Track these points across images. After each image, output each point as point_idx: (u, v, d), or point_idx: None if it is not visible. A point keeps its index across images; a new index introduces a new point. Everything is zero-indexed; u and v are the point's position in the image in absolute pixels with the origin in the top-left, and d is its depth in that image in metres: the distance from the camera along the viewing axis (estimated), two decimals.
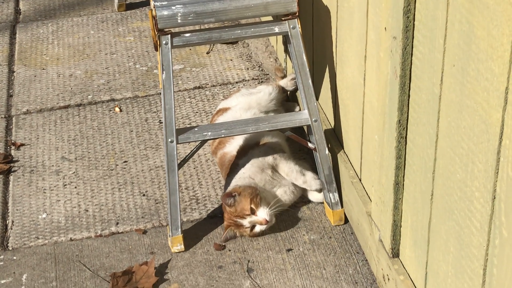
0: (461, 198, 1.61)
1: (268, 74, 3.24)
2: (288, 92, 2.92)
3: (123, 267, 2.32)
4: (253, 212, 2.33)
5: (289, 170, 2.45)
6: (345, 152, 2.44)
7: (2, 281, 2.29)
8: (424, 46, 1.70)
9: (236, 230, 2.38)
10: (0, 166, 2.74)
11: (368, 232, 2.21)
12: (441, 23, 1.60)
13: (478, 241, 1.55)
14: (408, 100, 1.83)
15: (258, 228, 2.35)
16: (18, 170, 2.75)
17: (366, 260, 2.29)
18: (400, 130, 1.87)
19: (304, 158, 2.71)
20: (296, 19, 2.30)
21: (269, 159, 2.46)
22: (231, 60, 3.37)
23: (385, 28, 1.87)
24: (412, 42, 1.76)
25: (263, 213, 2.33)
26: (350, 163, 2.39)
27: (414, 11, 1.73)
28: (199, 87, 3.19)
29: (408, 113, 1.85)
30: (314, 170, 2.49)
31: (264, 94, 2.73)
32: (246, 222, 2.34)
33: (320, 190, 2.47)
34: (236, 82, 3.21)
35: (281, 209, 2.44)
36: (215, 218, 2.50)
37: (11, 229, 2.49)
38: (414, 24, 1.75)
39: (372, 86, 2.08)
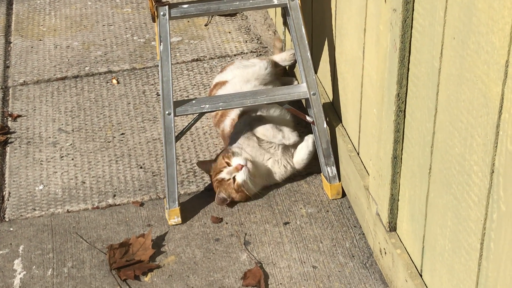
0: (459, 172, 1.60)
1: (267, 47, 3.22)
2: (287, 67, 2.90)
3: (120, 239, 2.32)
4: (228, 164, 2.36)
5: (264, 130, 2.44)
6: (343, 126, 2.43)
7: None
8: (424, 19, 1.69)
9: (223, 190, 2.37)
10: None
11: (366, 206, 2.21)
12: None
13: (475, 215, 1.55)
14: (407, 73, 1.82)
15: (239, 177, 2.35)
16: (15, 142, 2.74)
17: (363, 234, 2.29)
18: (399, 103, 1.86)
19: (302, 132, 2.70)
20: None
21: (248, 126, 2.47)
22: (229, 32, 3.34)
23: (385, 0, 1.85)
24: (412, 14, 1.74)
25: (236, 160, 2.35)
26: (348, 136, 2.38)
27: None
28: (197, 60, 3.17)
29: (407, 86, 1.83)
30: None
31: (260, 68, 2.72)
32: (224, 174, 2.36)
33: (297, 144, 2.47)
34: (235, 55, 3.19)
35: (274, 182, 2.46)
36: (212, 191, 2.49)
37: (8, 200, 2.49)
38: None
39: (371, 59, 2.07)
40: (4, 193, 2.52)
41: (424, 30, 1.70)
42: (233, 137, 2.50)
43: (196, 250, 2.28)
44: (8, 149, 2.71)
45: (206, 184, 2.52)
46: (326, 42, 2.49)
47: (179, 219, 2.37)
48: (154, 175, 2.57)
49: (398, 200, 2.00)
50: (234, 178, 2.36)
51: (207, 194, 2.48)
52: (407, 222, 1.97)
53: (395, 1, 1.77)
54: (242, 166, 2.35)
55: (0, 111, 2.89)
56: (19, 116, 2.87)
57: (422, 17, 1.70)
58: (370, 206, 2.16)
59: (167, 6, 2.23)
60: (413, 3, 1.73)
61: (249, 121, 2.49)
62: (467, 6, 1.48)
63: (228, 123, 2.57)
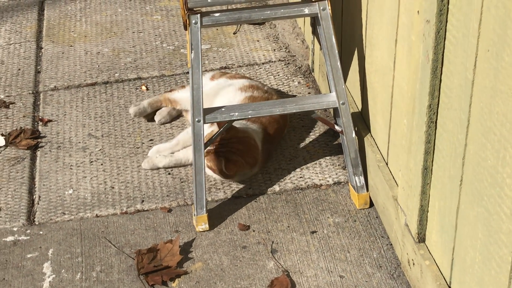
0: (491, 185, 1.60)
1: (295, 55, 3.23)
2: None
3: (148, 244, 2.33)
4: None
5: None
6: (372, 136, 2.43)
7: (29, 255, 2.32)
8: (458, 30, 1.69)
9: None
10: (28, 142, 2.76)
11: (394, 217, 2.21)
12: (476, 7, 1.58)
13: (507, 227, 1.54)
14: (440, 84, 1.82)
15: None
16: (45, 146, 2.77)
17: (391, 244, 2.29)
18: (431, 114, 1.86)
19: (329, 142, 2.71)
20: (326, 1, 2.29)
21: None
22: (257, 41, 3.36)
23: (418, 11, 1.85)
24: (446, 26, 1.75)
25: None
26: (377, 146, 2.38)
27: None
28: (225, 67, 3.18)
29: (439, 97, 1.83)
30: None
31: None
32: None
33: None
34: (263, 63, 3.20)
35: None
36: (240, 198, 2.51)
37: (38, 204, 2.52)
38: (448, 8, 1.73)
39: (402, 70, 2.07)
40: (34, 196, 2.55)
41: (457, 42, 1.70)
42: None
43: (223, 257, 2.29)
44: (38, 153, 2.74)
45: (234, 192, 2.54)
46: (356, 52, 2.49)
47: (207, 225, 2.38)
48: (182, 182, 2.59)
49: (427, 211, 2.00)
50: None
51: (235, 202, 2.49)
52: (436, 234, 1.96)
53: (428, 12, 1.78)
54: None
55: (31, 115, 2.93)
56: (49, 120, 2.90)
57: (455, 29, 1.70)
58: (399, 217, 2.16)
59: (199, 14, 2.25)
60: (447, 14, 1.74)
61: None
62: (502, 18, 1.48)
63: None
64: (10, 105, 2.98)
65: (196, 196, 2.35)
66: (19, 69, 3.21)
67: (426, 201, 1.99)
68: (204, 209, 2.37)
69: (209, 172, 2.54)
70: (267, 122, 2.62)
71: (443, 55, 1.78)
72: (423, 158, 1.92)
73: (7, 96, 3.05)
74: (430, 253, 2.02)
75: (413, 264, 2.08)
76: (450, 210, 1.84)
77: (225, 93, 2.70)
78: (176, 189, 2.55)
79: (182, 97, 2.82)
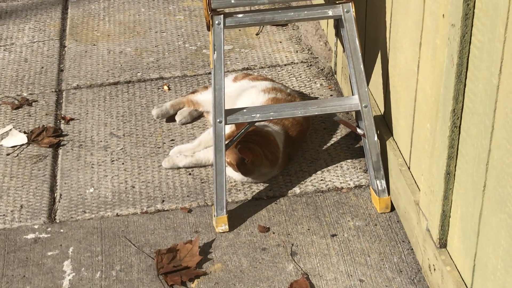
0: None
1: (318, 57, 3.22)
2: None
3: (168, 244, 2.33)
4: None
5: None
6: (394, 140, 2.41)
7: (49, 253, 2.32)
8: (484, 35, 1.67)
9: None
10: (50, 140, 2.78)
11: (415, 221, 2.19)
12: (503, 12, 1.56)
13: None
14: (464, 89, 1.80)
15: None
16: (67, 144, 2.78)
17: (412, 249, 2.27)
18: (454, 119, 1.84)
19: (350, 144, 2.69)
20: (350, 3, 2.28)
21: None
22: (280, 42, 3.35)
23: (443, 15, 1.84)
24: (471, 30, 1.73)
25: None
26: (399, 150, 2.37)
27: None
28: (247, 68, 3.18)
29: (463, 102, 1.82)
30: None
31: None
32: None
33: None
34: (285, 65, 3.19)
35: None
36: (260, 200, 2.50)
37: (59, 202, 2.53)
38: (474, 12, 1.71)
39: (426, 74, 2.05)
40: (55, 194, 2.56)
41: (483, 46, 1.68)
42: None
43: (242, 259, 2.28)
44: (60, 151, 2.75)
45: (254, 193, 2.53)
46: (379, 55, 2.48)
47: (227, 227, 2.38)
48: (203, 182, 2.58)
49: (449, 217, 1.98)
50: None
51: (255, 203, 2.49)
52: (458, 239, 1.95)
53: (453, 16, 1.76)
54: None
55: (54, 114, 2.94)
56: (72, 119, 2.91)
57: (481, 33, 1.69)
58: (420, 222, 2.14)
59: (222, 15, 2.25)
60: (472, 18, 1.72)
61: None
62: None
63: None
64: (33, 103, 3.00)
65: (216, 197, 2.35)
66: (42, 68, 3.23)
67: (448, 207, 1.97)
68: (224, 210, 2.36)
69: (230, 172, 2.54)
70: (290, 124, 2.62)
71: (468, 59, 1.76)
72: (446, 163, 1.91)
73: (30, 94, 3.06)
74: (451, 258, 2.00)
75: (434, 269, 2.06)
76: (473, 216, 1.82)
77: (247, 95, 2.70)
78: (196, 189, 2.55)
79: (205, 99, 2.82)
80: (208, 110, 2.82)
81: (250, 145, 2.46)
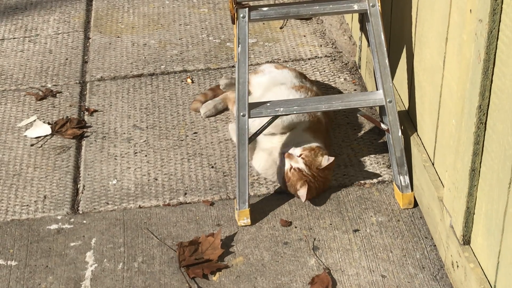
0: None
1: (342, 51, 3.20)
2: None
3: (190, 237, 2.34)
4: None
5: None
6: (418, 135, 2.40)
7: (72, 244, 2.34)
8: None
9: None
10: (74, 131, 2.79)
11: (439, 218, 2.18)
12: None
13: None
14: (491, 85, 1.78)
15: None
16: (91, 136, 2.80)
17: (435, 245, 2.26)
18: (480, 115, 1.83)
19: (374, 139, 2.68)
20: None
21: None
22: (304, 36, 3.34)
23: (470, 10, 1.82)
24: (499, 26, 1.71)
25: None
26: (423, 146, 2.35)
27: None
28: (271, 62, 3.17)
29: (489, 98, 1.80)
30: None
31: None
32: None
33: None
34: (309, 59, 3.18)
35: None
36: (283, 194, 2.50)
37: (82, 193, 2.54)
38: (502, 8, 1.69)
39: (452, 69, 2.03)
40: (78, 186, 2.57)
41: (510, 42, 1.66)
42: None
43: (264, 253, 2.28)
44: (84, 143, 2.77)
45: (276, 187, 2.53)
46: (404, 50, 2.46)
47: (249, 220, 2.38)
48: (225, 175, 2.59)
49: (473, 214, 1.96)
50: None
51: (277, 197, 2.49)
52: (482, 236, 1.93)
53: (481, 11, 1.74)
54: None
55: (78, 105, 2.96)
56: (95, 111, 2.92)
57: (509, 29, 1.67)
58: (444, 218, 2.13)
59: (247, 8, 2.24)
60: (500, 14, 1.70)
61: None
62: None
63: None
64: (57, 94, 3.02)
65: (238, 190, 2.35)
66: (67, 59, 3.24)
67: (473, 203, 1.95)
68: (247, 203, 2.36)
69: (254, 163, 2.52)
70: (328, 142, 2.58)
71: (495, 55, 1.74)
72: (471, 160, 1.89)
73: (54, 85, 3.08)
74: (475, 255, 1.99)
75: (457, 266, 2.05)
76: (497, 213, 1.81)
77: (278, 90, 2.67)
78: (219, 182, 2.55)
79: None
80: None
81: (312, 186, 2.42)
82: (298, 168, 2.38)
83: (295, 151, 2.41)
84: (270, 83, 2.70)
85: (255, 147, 2.55)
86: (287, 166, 2.41)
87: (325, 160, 2.39)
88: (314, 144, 2.43)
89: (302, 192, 2.38)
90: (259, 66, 2.91)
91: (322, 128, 2.56)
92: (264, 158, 2.53)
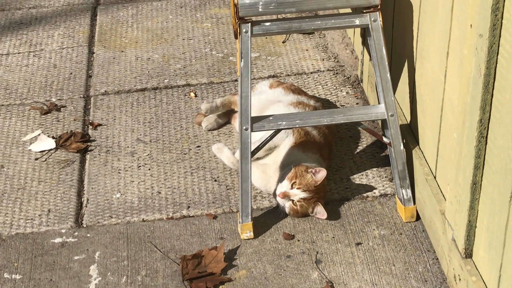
0: None
1: (344, 65, 3.22)
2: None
3: (193, 250, 2.35)
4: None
5: None
6: (420, 149, 2.41)
7: (76, 257, 2.35)
8: None
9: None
10: (78, 145, 2.81)
11: (441, 231, 2.19)
12: None
13: None
14: (491, 99, 1.80)
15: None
16: (95, 150, 2.81)
17: (437, 258, 2.27)
18: (481, 129, 1.84)
19: (376, 153, 2.70)
20: (377, 12, 2.28)
21: None
22: (306, 50, 3.36)
23: (470, 25, 1.84)
24: (499, 41, 1.73)
25: None
26: (425, 159, 2.36)
27: (503, 9, 1.70)
28: (273, 76, 3.19)
29: (490, 112, 1.81)
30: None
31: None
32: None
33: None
34: (311, 73, 3.20)
35: None
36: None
37: (86, 207, 2.55)
38: (502, 23, 1.71)
39: (453, 83, 2.05)
40: (82, 199, 2.59)
41: (510, 57, 1.68)
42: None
43: (267, 266, 2.29)
44: (88, 156, 2.78)
45: None
46: (406, 64, 2.48)
47: (251, 233, 2.39)
48: (228, 189, 2.60)
49: (475, 227, 1.97)
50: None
51: (280, 210, 2.49)
52: (484, 250, 1.94)
53: (481, 26, 1.76)
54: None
55: (82, 119, 2.98)
56: (99, 125, 2.94)
57: (509, 44, 1.68)
58: (446, 231, 2.14)
59: (250, 23, 2.27)
60: (500, 29, 1.72)
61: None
62: None
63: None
64: (62, 109, 3.04)
65: (241, 203, 2.36)
66: (71, 73, 3.26)
67: (474, 217, 1.96)
68: (249, 217, 2.37)
69: (254, 181, 2.53)
70: (326, 153, 2.60)
71: (495, 69, 1.76)
72: (472, 173, 1.90)
73: (59, 99, 3.10)
74: (477, 269, 2.00)
75: (459, 279, 2.06)
76: (499, 227, 1.82)
77: (275, 108, 2.68)
78: (222, 196, 2.57)
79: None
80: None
81: (321, 200, 2.44)
82: (302, 199, 2.39)
83: (285, 187, 2.40)
84: (266, 101, 2.72)
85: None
86: (288, 204, 2.41)
87: (319, 176, 2.38)
88: (293, 169, 2.41)
89: (321, 210, 2.40)
90: (256, 84, 2.93)
91: (313, 139, 2.57)
92: (260, 176, 2.54)
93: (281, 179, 2.43)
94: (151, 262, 2.32)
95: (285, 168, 2.47)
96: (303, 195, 2.38)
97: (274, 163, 2.52)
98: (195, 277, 2.24)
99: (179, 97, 3.08)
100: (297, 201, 2.39)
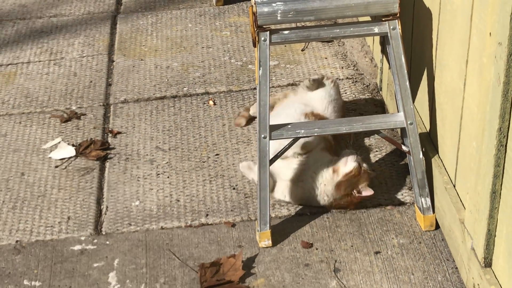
0: None
1: (363, 73, 3.22)
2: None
3: (211, 258, 2.35)
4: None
5: None
6: (439, 157, 2.40)
7: (95, 265, 2.36)
8: None
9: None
10: (97, 153, 2.82)
11: (460, 240, 2.17)
12: None
13: None
14: (511, 108, 1.79)
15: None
16: (114, 158, 2.83)
17: (456, 268, 2.25)
18: (501, 138, 1.83)
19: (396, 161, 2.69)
20: (396, 20, 2.28)
21: None
22: (325, 58, 3.36)
23: (490, 33, 1.83)
24: None
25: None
26: (445, 168, 2.35)
27: None
28: (292, 84, 3.19)
29: (509, 121, 1.80)
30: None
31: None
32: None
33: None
34: None
35: None
36: (303, 216, 2.51)
37: (105, 214, 2.57)
38: None
39: (473, 92, 2.04)
40: (102, 207, 2.60)
41: None
42: None
43: (285, 274, 2.29)
44: (107, 164, 2.80)
45: (297, 209, 2.54)
46: (425, 72, 2.47)
47: (270, 242, 2.39)
48: (247, 197, 2.60)
49: (495, 236, 1.96)
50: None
51: (298, 219, 2.50)
52: (503, 259, 1.93)
53: (500, 34, 1.75)
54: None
55: (101, 127, 2.99)
56: (119, 132, 2.96)
57: None
58: (465, 240, 2.12)
59: (268, 32, 2.27)
60: None
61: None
62: None
63: None
64: (82, 116, 3.06)
65: (260, 212, 2.36)
66: (91, 81, 3.29)
67: (494, 226, 1.95)
68: (268, 225, 2.37)
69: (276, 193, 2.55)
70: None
71: None
72: (491, 182, 1.89)
73: (79, 107, 3.12)
74: (496, 278, 1.98)
75: None
76: None
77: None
78: (240, 204, 2.57)
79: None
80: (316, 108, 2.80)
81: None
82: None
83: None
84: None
85: (274, 180, 2.55)
86: (350, 167, 2.43)
87: (366, 192, 2.45)
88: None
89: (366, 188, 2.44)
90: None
91: (332, 147, 2.62)
92: (292, 187, 2.53)
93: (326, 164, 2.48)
94: (169, 269, 2.33)
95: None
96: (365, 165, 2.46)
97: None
98: (213, 285, 2.24)
99: (198, 105, 3.10)
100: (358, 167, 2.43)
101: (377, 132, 2.43)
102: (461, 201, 2.22)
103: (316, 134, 2.40)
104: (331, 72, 3.25)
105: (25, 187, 2.70)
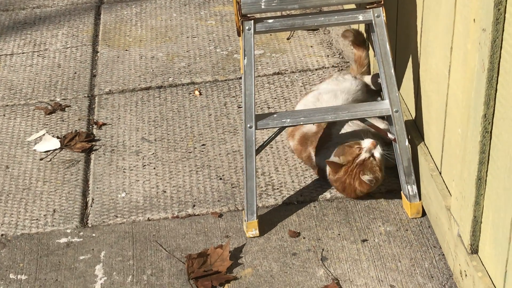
0: None
1: (349, 62, 3.21)
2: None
3: (199, 249, 2.35)
4: (360, 148, 2.41)
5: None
6: (425, 144, 2.40)
7: (81, 257, 2.35)
8: None
9: (367, 172, 2.40)
10: (82, 145, 2.81)
11: (447, 227, 2.18)
12: None
13: None
14: (495, 94, 1.79)
15: (377, 153, 2.41)
16: (100, 149, 2.81)
17: (443, 254, 2.26)
18: (485, 124, 1.83)
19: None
20: (381, 8, 2.27)
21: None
22: (311, 46, 3.35)
23: (474, 19, 1.83)
24: (502, 35, 1.72)
25: (367, 141, 2.42)
26: (431, 155, 2.35)
27: (506, 3, 1.68)
28: (278, 73, 3.18)
29: (494, 107, 1.80)
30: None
31: (351, 84, 2.72)
32: (364, 154, 2.40)
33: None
34: (316, 69, 3.19)
35: None
36: (290, 205, 2.50)
37: (91, 206, 2.55)
38: (505, 17, 1.70)
39: (457, 79, 2.04)
40: (88, 199, 2.59)
41: None
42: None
43: (273, 264, 2.29)
44: (92, 156, 2.78)
45: (284, 198, 2.53)
46: (410, 60, 2.47)
47: (257, 231, 2.39)
48: (233, 187, 2.59)
49: (481, 222, 1.96)
50: (373, 155, 2.40)
51: (285, 208, 2.49)
52: (489, 245, 1.93)
53: (484, 21, 1.75)
54: (376, 142, 2.41)
55: (86, 119, 2.98)
56: (104, 124, 2.94)
57: None
58: (451, 227, 2.13)
59: (252, 21, 2.26)
60: (503, 23, 1.71)
61: None
62: None
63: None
64: (66, 108, 3.04)
65: (247, 202, 2.35)
66: (75, 73, 3.27)
67: (480, 212, 1.95)
68: (255, 215, 2.37)
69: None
70: None
71: (499, 64, 1.75)
72: (477, 168, 1.89)
73: (63, 99, 3.10)
74: (483, 264, 1.99)
75: (466, 275, 2.05)
76: (504, 222, 1.81)
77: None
78: (227, 194, 2.56)
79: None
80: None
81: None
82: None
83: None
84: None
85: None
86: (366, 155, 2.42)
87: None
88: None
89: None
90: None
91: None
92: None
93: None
94: (156, 261, 2.32)
95: None
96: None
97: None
98: (200, 276, 2.24)
99: (184, 96, 3.08)
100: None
101: (362, 120, 2.43)
102: (447, 188, 2.22)
103: (302, 123, 2.39)
104: (317, 61, 3.24)
105: (10, 180, 2.69)
